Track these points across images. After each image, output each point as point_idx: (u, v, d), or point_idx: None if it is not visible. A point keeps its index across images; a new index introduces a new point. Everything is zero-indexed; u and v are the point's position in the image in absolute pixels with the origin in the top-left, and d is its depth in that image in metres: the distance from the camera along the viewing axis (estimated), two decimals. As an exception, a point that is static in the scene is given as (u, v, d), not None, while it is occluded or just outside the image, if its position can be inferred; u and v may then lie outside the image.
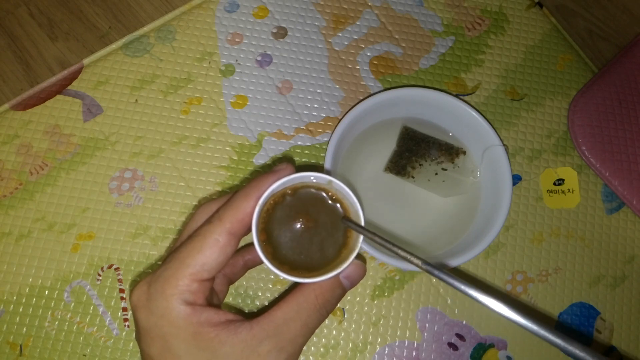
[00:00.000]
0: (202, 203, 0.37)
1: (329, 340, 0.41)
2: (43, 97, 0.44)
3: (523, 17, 0.49)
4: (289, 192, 0.30)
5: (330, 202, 0.30)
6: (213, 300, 0.32)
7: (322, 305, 0.28)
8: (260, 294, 0.42)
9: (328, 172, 0.37)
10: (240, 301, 0.41)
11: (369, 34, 0.48)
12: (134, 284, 0.41)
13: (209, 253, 0.27)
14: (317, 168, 0.44)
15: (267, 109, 0.45)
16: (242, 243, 0.40)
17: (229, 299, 0.41)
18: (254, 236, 0.28)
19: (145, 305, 0.27)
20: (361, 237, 0.28)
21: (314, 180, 0.29)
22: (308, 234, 0.29)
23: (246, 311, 0.41)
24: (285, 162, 0.31)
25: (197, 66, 0.46)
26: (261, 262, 0.36)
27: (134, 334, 0.38)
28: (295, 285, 0.29)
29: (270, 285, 0.42)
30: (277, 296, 0.42)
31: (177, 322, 0.26)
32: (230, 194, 0.30)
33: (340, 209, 0.30)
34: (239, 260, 0.36)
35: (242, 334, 0.26)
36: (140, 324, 0.27)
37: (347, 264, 0.27)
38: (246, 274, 0.41)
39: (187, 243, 0.28)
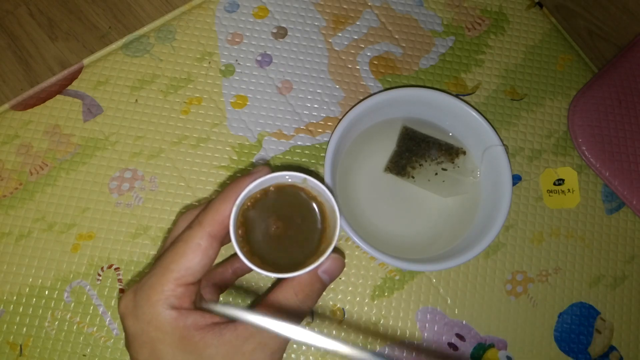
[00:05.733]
0: (183, 212, 0.38)
1: (329, 340, 0.41)
2: (43, 97, 0.44)
3: (523, 17, 0.49)
4: (266, 192, 0.30)
5: (306, 199, 0.30)
6: (202, 304, 0.32)
7: (303, 301, 0.29)
8: (253, 284, 0.42)
9: (315, 176, 0.37)
10: (240, 301, 0.41)
11: (369, 34, 0.48)
12: (123, 292, 0.41)
13: (191, 257, 0.28)
14: (311, 172, 0.44)
15: (267, 109, 0.45)
16: (231, 252, 0.40)
17: (228, 299, 0.41)
18: (232, 236, 0.28)
19: (132, 313, 0.27)
20: (337, 232, 0.29)
21: (290, 180, 0.30)
22: (286, 231, 0.30)
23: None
24: (262, 165, 0.31)
25: (197, 66, 0.46)
26: (250, 271, 0.36)
27: (122, 342, 0.38)
28: (276, 283, 0.29)
29: (270, 285, 0.42)
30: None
31: (164, 327, 0.26)
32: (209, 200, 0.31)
33: (316, 207, 0.31)
34: (228, 268, 0.36)
35: (226, 336, 0.27)
36: (129, 331, 0.27)
37: (323, 258, 0.28)
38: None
39: (170, 249, 0.28)
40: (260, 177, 0.29)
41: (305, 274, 0.29)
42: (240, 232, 0.29)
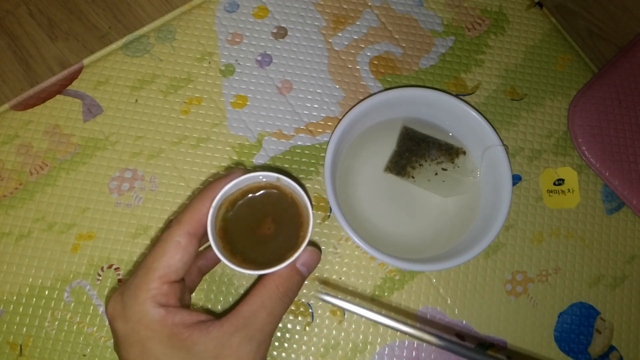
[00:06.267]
0: (171, 219, 0.38)
1: (329, 340, 0.41)
2: (43, 97, 0.44)
3: (523, 17, 0.49)
4: (243, 193, 0.32)
5: (282, 197, 0.32)
6: (185, 301, 0.33)
7: (284, 294, 0.30)
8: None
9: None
10: (222, 299, 0.41)
11: (369, 34, 0.48)
12: (107, 298, 0.41)
13: (172, 254, 0.29)
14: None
15: (267, 109, 0.45)
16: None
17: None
18: (210, 236, 0.29)
19: (121, 314, 0.28)
20: (311, 227, 0.31)
21: (264, 180, 0.31)
22: (265, 229, 0.31)
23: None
24: (237, 167, 0.31)
25: (197, 66, 0.46)
26: (215, 265, 0.37)
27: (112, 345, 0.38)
28: (257, 280, 0.30)
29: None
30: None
31: (153, 326, 0.27)
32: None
33: (291, 204, 0.32)
34: (193, 267, 0.36)
35: (213, 332, 0.28)
36: (119, 333, 0.28)
37: (298, 253, 0.29)
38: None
39: (152, 250, 0.30)
40: (235, 178, 0.31)
41: (284, 268, 0.30)
42: (220, 233, 0.30)
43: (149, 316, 0.27)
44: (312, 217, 0.31)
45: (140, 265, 0.30)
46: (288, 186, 0.32)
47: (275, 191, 0.32)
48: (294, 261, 0.30)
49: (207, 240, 0.31)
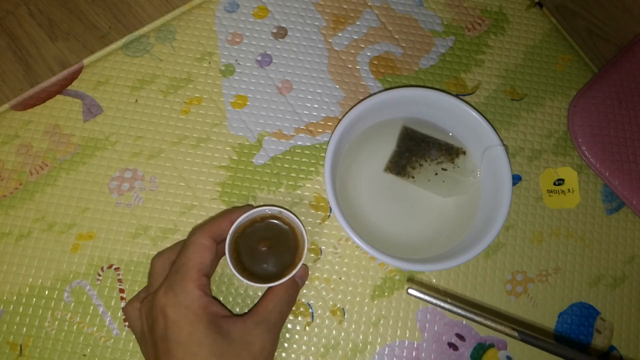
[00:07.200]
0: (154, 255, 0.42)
1: (329, 340, 0.41)
2: (43, 97, 0.44)
3: (523, 17, 0.49)
4: (252, 222, 0.38)
5: (282, 226, 0.39)
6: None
7: (289, 299, 0.38)
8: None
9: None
10: (240, 301, 0.41)
11: (369, 34, 0.48)
12: (140, 298, 0.41)
13: (202, 252, 0.35)
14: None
15: (267, 109, 0.45)
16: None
17: (219, 297, 0.41)
18: (227, 257, 0.36)
19: (173, 302, 0.33)
20: (306, 249, 0.37)
21: (269, 212, 0.39)
22: (269, 251, 0.38)
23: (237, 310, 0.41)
24: (247, 204, 0.42)
25: (197, 66, 0.46)
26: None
27: (122, 342, 0.38)
28: (268, 290, 0.38)
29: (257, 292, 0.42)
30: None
31: (199, 311, 0.33)
32: None
33: (290, 232, 0.39)
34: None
35: (239, 325, 0.34)
36: (169, 319, 0.32)
37: (296, 269, 0.37)
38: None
39: (182, 253, 0.35)
40: (247, 211, 0.37)
41: (288, 280, 0.37)
42: (233, 254, 0.37)
43: (197, 302, 0.33)
44: (306, 242, 0.38)
45: (175, 265, 0.35)
46: (288, 217, 0.38)
47: (277, 221, 0.39)
48: (294, 275, 0.37)
49: (222, 249, 0.37)
